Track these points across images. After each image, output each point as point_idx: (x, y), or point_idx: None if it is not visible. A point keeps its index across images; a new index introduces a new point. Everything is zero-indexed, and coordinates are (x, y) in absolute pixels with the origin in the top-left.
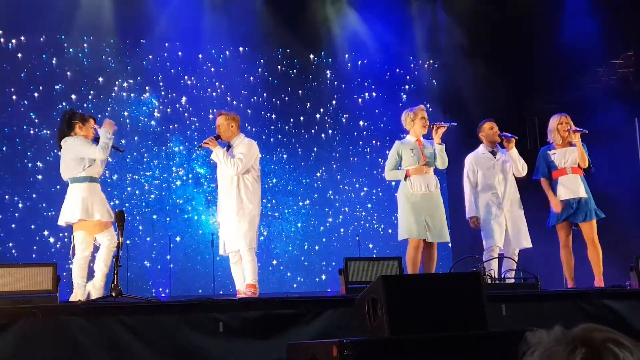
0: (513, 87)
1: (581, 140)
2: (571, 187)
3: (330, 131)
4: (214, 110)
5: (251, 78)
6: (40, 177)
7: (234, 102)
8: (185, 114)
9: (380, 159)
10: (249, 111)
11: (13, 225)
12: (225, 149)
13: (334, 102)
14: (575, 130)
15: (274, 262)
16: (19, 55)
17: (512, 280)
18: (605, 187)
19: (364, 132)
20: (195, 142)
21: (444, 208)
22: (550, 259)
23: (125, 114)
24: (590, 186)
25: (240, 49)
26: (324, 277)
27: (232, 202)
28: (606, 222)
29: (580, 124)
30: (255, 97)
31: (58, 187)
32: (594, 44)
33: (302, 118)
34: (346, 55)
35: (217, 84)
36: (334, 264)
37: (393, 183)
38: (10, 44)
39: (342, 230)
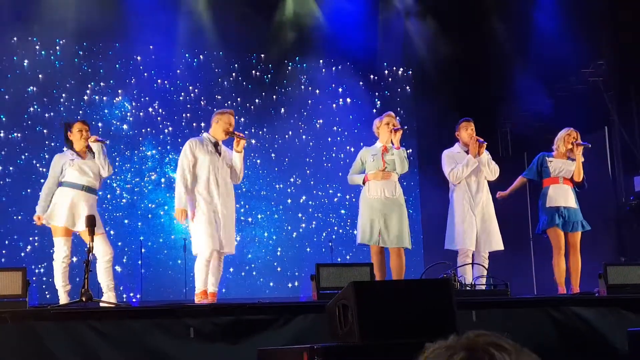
0: (485, 95)
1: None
2: (561, 196)
3: (304, 136)
4: (187, 114)
5: (225, 83)
6: (9, 180)
7: (208, 107)
8: (158, 118)
9: None
10: None
11: None
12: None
13: (308, 107)
14: (579, 144)
15: (247, 267)
16: None
17: (483, 287)
18: (575, 195)
19: (338, 138)
20: (168, 147)
21: (408, 213)
22: (521, 265)
23: (98, 117)
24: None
25: (215, 53)
26: (296, 283)
27: (232, 205)
28: None
29: (552, 132)
30: (229, 102)
31: (29, 190)
32: (565, 53)
33: (276, 123)
34: (321, 61)
35: (190, 88)
36: (306, 269)
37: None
38: None
39: (315, 236)
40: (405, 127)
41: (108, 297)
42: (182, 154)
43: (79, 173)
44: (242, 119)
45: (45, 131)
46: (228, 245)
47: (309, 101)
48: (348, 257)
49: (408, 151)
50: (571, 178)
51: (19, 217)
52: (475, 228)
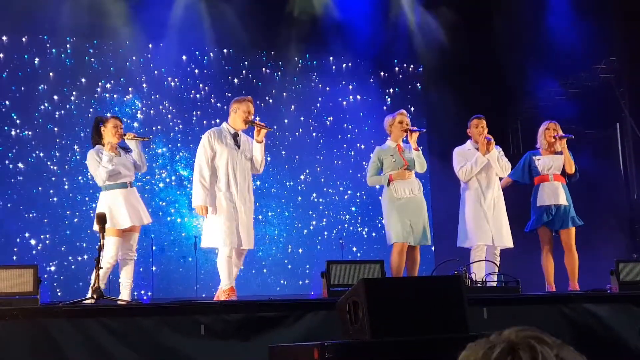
0: (496, 92)
1: (567, 147)
2: (551, 194)
3: (314, 134)
4: (198, 112)
5: (235, 80)
6: (21, 178)
7: (218, 104)
8: (169, 116)
9: (364, 162)
10: None
11: None
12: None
13: (318, 104)
14: (560, 137)
15: (257, 265)
16: (1, 55)
17: (494, 284)
18: (587, 192)
19: (348, 135)
20: (179, 145)
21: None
22: (532, 262)
23: (108, 115)
24: (571, 190)
25: (225, 50)
26: (307, 280)
27: (251, 200)
28: (586, 226)
29: (563, 129)
30: None
31: (40, 188)
32: (577, 49)
33: (286, 120)
34: (331, 58)
35: (200, 85)
36: (317, 267)
37: (377, 187)
38: None
39: (325, 233)
40: (424, 130)
41: (123, 294)
42: (200, 146)
43: (122, 170)
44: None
45: (56, 129)
46: (247, 241)
47: (319, 98)
48: (359, 254)
49: (419, 148)
50: (562, 173)
51: (30, 215)
52: (487, 223)
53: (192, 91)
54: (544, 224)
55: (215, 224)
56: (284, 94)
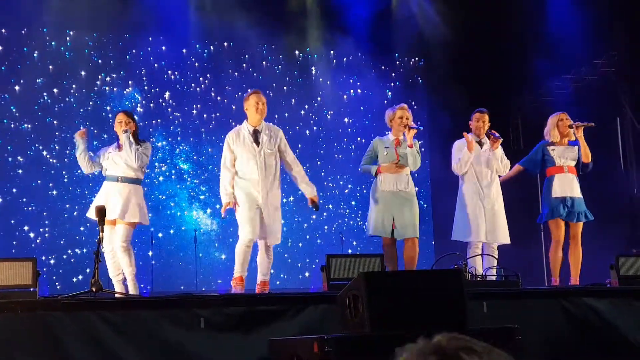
0: (497, 86)
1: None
2: (567, 186)
3: (314, 127)
4: (198, 106)
5: (236, 74)
6: (20, 171)
7: (218, 98)
8: (169, 109)
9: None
10: (233, 107)
11: None
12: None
13: (318, 98)
14: (578, 125)
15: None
16: (0, 47)
17: (494, 278)
18: (587, 186)
19: (349, 129)
20: (179, 139)
21: (419, 206)
22: (532, 256)
23: (108, 108)
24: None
25: (225, 44)
26: (307, 274)
27: (276, 194)
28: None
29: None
30: (239, 93)
31: (39, 181)
32: (577, 44)
33: (286, 114)
34: (331, 52)
35: (201, 79)
36: (317, 261)
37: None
38: None
39: (325, 227)
40: (421, 127)
41: (116, 287)
42: (223, 148)
43: (112, 165)
44: None
45: (55, 122)
46: (272, 235)
47: (320, 92)
48: (359, 248)
49: (419, 142)
50: (576, 165)
51: (30, 208)
52: (484, 220)
53: (192, 84)
54: (560, 217)
55: (239, 216)
56: (284, 87)
